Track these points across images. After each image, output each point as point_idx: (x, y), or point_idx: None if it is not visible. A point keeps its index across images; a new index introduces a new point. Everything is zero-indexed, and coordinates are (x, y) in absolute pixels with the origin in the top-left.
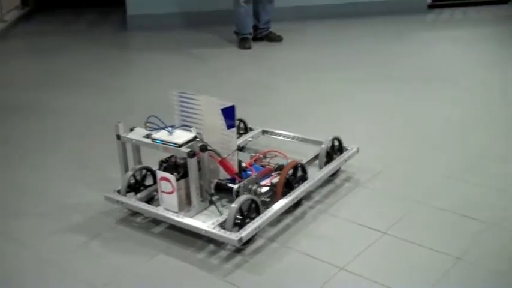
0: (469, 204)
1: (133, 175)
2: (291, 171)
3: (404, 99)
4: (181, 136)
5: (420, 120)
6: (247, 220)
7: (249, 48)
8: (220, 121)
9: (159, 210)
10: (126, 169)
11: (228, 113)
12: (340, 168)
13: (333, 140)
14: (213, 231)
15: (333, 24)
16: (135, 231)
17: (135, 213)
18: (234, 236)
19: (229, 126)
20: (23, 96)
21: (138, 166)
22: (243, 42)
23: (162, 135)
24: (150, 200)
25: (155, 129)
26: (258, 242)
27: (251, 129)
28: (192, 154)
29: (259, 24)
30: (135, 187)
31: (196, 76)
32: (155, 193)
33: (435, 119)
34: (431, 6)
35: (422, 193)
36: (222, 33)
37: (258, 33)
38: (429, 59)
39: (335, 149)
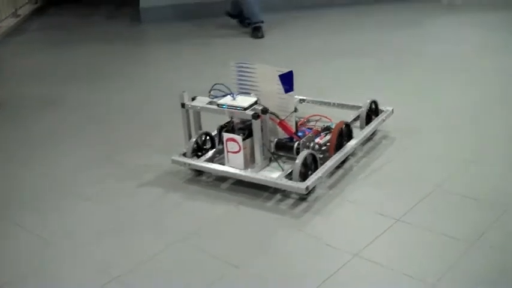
0: (488, 190)
1: (197, 140)
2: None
3: (431, 83)
4: (244, 101)
5: (448, 103)
6: (310, 172)
7: (262, 37)
8: (278, 86)
9: (227, 168)
10: (190, 135)
11: (286, 79)
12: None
13: (370, 103)
14: (283, 182)
15: (351, 11)
16: (204, 189)
17: (199, 173)
18: (302, 185)
19: (287, 90)
20: (52, 89)
21: (201, 131)
22: (255, 32)
23: (226, 100)
24: (211, 161)
25: (217, 97)
26: (317, 192)
27: None
28: (256, 116)
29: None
30: (197, 150)
31: (212, 65)
32: (217, 155)
33: (463, 103)
34: None
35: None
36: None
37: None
38: (448, 44)
39: (373, 111)
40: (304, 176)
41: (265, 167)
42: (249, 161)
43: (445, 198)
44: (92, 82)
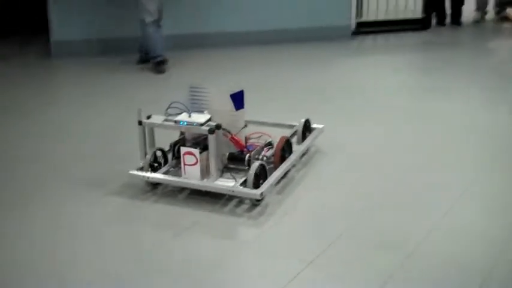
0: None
1: (153, 155)
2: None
3: (332, 123)
4: (199, 118)
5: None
6: (261, 181)
7: (164, 72)
8: (229, 104)
9: (186, 180)
10: (146, 151)
11: (237, 97)
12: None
13: (304, 121)
14: (240, 189)
15: (260, 50)
16: (163, 198)
17: (155, 186)
18: (257, 192)
19: (238, 108)
20: None
21: (155, 147)
22: (158, 67)
23: (183, 117)
24: (166, 174)
25: (171, 115)
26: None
27: None
28: (212, 131)
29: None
30: (152, 165)
31: (116, 103)
32: (171, 168)
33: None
34: (355, 33)
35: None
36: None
37: (144, 56)
38: (354, 84)
39: (307, 128)
40: (256, 185)
41: (218, 178)
42: (205, 173)
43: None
44: None
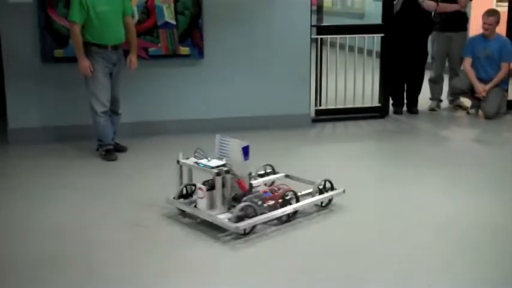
0: None
1: (185, 187)
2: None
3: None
4: (215, 163)
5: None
6: (246, 219)
7: (115, 159)
8: (241, 155)
9: (194, 209)
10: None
11: (245, 150)
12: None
13: (324, 181)
14: (224, 221)
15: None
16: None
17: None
18: (234, 225)
19: (245, 159)
20: None
21: (186, 183)
22: (108, 155)
23: (203, 161)
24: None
25: (201, 158)
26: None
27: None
28: (217, 173)
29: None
30: (186, 196)
31: (71, 190)
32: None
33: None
34: (314, 120)
35: None
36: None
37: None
38: (313, 172)
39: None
40: (240, 219)
41: (225, 212)
42: (211, 206)
43: None
44: None
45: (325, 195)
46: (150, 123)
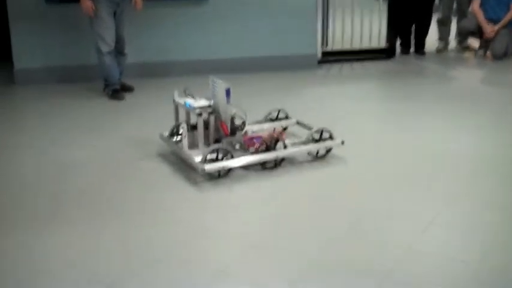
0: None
1: (178, 126)
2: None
3: None
4: (201, 103)
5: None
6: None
7: (122, 99)
8: (224, 97)
9: (176, 148)
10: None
11: (227, 92)
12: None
13: (321, 130)
14: (193, 160)
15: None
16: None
17: None
18: (201, 167)
19: (227, 101)
20: None
21: (179, 122)
22: (115, 94)
23: (190, 100)
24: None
25: (192, 97)
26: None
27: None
28: (199, 114)
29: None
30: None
31: (82, 130)
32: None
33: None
34: (321, 62)
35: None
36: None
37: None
38: (320, 112)
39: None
40: (213, 161)
41: (207, 153)
42: (193, 145)
43: None
44: None
45: (317, 144)
46: (157, 64)
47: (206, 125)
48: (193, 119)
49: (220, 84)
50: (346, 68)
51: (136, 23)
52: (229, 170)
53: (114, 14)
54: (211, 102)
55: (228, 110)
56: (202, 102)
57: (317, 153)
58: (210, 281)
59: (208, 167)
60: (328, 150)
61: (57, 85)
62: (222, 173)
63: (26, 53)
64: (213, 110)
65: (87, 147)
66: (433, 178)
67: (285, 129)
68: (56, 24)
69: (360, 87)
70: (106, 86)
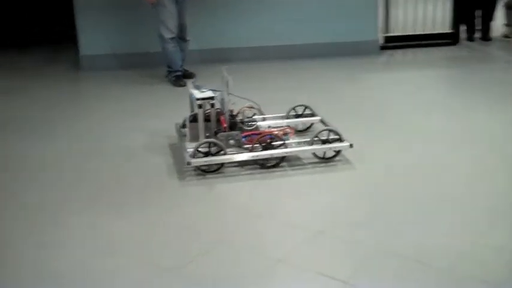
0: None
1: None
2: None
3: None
4: (204, 95)
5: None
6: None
7: (184, 85)
8: (227, 89)
9: (181, 139)
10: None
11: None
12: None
13: (329, 131)
14: (184, 153)
15: (286, 65)
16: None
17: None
18: (188, 160)
19: (228, 93)
20: None
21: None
22: (177, 81)
23: (196, 92)
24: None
25: (198, 88)
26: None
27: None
28: (200, 106)
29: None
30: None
31: (150, 116)
32: None
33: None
34: (383, 48)
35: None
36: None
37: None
38: (382, 99)
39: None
40: (204, 155)
41: (199, 146)
42: (194, 137)
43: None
44: (27, 134)
45: (320, 146)
46: (218, 50)
47: (209, 117)
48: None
49: (224, 76)
50: (409, 54)
51: (198, 9)
52: (220, 166)
53: (177, 1)
54: (216, 95)
55: (227, 103)
56: (206, 94)
57: (324, 154)
58: (270, 269)
59: (193, 160)
60: (337, 152)
61: (120, 71)
62: (211, 168)
63: (91, 40)
64: (218, 102)
65: (145, 132)
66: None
67: (310, 126)
68: (119, 12)
69: (421, 74)
70: (169, 72)
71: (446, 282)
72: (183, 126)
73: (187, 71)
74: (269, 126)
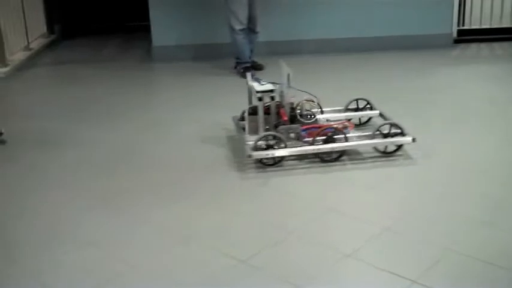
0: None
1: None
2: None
3: (431, 137)
4: (264, 87)
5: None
6: (270, 148)
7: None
8: (286, 82)
9: (240, 133)
10: (250, 102)
11: (288, 78)
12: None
13: (390, 124)
14: (245, 146)
15: (356, 58)
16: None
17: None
18: (249, 153)
19: (289, 86)
20: (52, 127)
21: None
22: (246, 72)
23: (256, 84)
24: None
25: (258, 81)
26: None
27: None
28: (259, 98)
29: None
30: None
31: (215, 107)
32: None
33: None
34: (457, 41)
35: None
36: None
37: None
38: (453, 96)
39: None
40: (265, 148)
41: (259, 139)
42: (253, 130)
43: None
44: (100, 121)
45: (381, 140)
46: (286, 42)
47: (269, 110)
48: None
49: (284, 69)
50: (484, 48)
51: (268, 1)
52: (281, 159)
53: None
54: (276, 87)
55: (288, 96)
56: (266, 87)
57: (385, 148)
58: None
59: (255, 153)
60: (399, 146)
61: (190, 62)
62: (271, 161)
63: (162, 31)
64: (277, 95)
65: (203, 123)
66: None
67: (368, 120)
68: (189, 4)
69: (495, 69)
70: (237, 63)
71: None
72: (242, 119)
73: (256, 62)
74: (328, 120)
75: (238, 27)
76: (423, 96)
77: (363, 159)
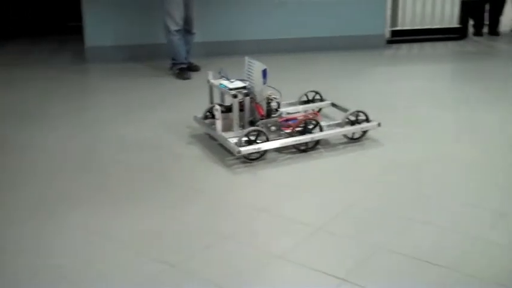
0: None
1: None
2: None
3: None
4: (236, 84)
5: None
6: (253, 143)
7: (189, 78)
8: (261, 77)
9: (211, 131)
10: (212, 101)
11: (264, 73)
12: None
13: (357, 112)
14: (229, 143)
15: (292, 58)
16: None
17: None
18: (237, 149)
19: (264, 82)
20: None
21: (214, 103)
22: (181, 73)
23: (225, 82)
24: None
25: (227, 79)
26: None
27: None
28: (234, 95)
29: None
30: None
31: (141, 108)
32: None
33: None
34: (389, 42)
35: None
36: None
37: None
38: (387, 95)
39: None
40: (248, 143)
41: (245, 135)
42: (226, 128)
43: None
44: (28, 124)
45: (353, 127)
46: (223, 43)
47: (241, 107)
48: (227, 101)
49: (256, 65)
50: (416, 48)
51: (204, 2)
52: (264, 153)
53: None
54: (247, 84)
55: (264, 92)
56: (237, 84)
57: (352, 135)
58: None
59: (244, 149)
60: (364, 133)
61: (125, 63)
62: (255, 156)
63: (96, 31)
64: (249, 92)
65: (145, 124)
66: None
67: (319, 110)
68: (125, 3)
69: (428, 68)
70: (173, 64)
71: (448, 281)
72: (206, 117)
73: (193, 63)
74: (288, 113)
75: (173, 28)
76: (359, 94)
77: (334, 145)
